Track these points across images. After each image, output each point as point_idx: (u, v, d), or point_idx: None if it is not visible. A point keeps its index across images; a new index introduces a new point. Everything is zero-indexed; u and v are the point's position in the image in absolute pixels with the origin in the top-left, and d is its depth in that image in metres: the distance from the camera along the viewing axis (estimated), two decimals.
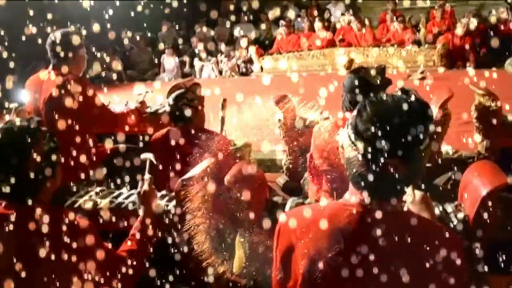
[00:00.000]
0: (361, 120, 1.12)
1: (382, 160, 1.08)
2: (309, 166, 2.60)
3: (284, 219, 1.27)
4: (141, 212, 1.90)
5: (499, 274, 1.94)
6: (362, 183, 1.15)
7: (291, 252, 1.20)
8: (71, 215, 1.58)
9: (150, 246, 1.85)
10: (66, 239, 1.51)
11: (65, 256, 1.49)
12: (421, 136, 1.09)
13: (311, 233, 1.17)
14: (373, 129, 1.08)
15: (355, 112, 1.16)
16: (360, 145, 1.11)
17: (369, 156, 1.09)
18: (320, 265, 1.14)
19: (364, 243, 1.11)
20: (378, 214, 1.13)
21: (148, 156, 2.30)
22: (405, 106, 1.10)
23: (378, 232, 1.11)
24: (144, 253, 1.80)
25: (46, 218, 1.50)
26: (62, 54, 2.93)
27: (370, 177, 1.11)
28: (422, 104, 1.14)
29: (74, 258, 1.51)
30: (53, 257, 1.47)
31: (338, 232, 1.14)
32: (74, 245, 1.52)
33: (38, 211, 1.52)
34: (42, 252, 1.48)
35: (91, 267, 1.56)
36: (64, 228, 1.52)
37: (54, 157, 1.60)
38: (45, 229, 1.49)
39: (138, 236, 1.81)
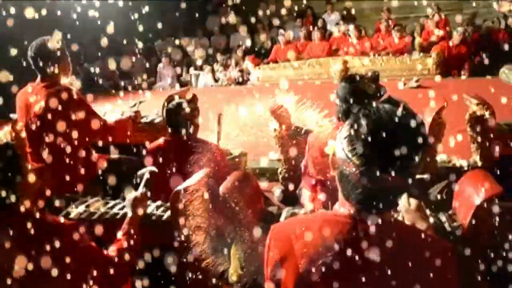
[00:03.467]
0: (357, 136, 1.11)
1: (378, 174, 1.08)
2: (303, 175, 2.60)
3: (276, 229, 1.28)
4: (128, 215, 1.97)
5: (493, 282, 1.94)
6: (355, 196, 1.14)
7: (282, 261, 1.20)
8: (54, 220, 1.60)
9: (137, 248, 1.89)
10: (45, 246, 1.51)
11: (48, 262, 1.49)
12: (417, 149, 1.09)
13: (305, 244, 1.17)
14: (370, 145, 1.08)
15: (348, 126, 1.14)
16: (357, 160, 1.10)
17: (366, 171, 1.09)
18: (313, 274, 1.14)
19: (354, 254, 1.12)
20: (368, 225, 1.13)
21: (148, 169, 2.31)
22: (399, 120, 1.10)
23: (368, 243, 1.11)
24: (132, 252, 1.84)
25: (24, 226, 1.51)
26: (45, 65, 2.88)
27: (364, 190, 1.11)
28: (415, 116, 1.13)
29: (58, 262, 1.51)
30: (33, 264, 1.47)
31: (329, 242, 1.14)
32: (57, 249, 1.52)
33: (15, 219, 1.54)
34: (23, 260, 1.47)
35: (77, 269, 1.56)
36: (44, 234, 1.53)
37: (13, 168, 1.62)
38: (23, 236, 1.50)
39: (125, 237, 1.87)
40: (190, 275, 2.16)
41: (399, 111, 1.13)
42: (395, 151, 1.06)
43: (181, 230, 2.10)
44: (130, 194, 2.02)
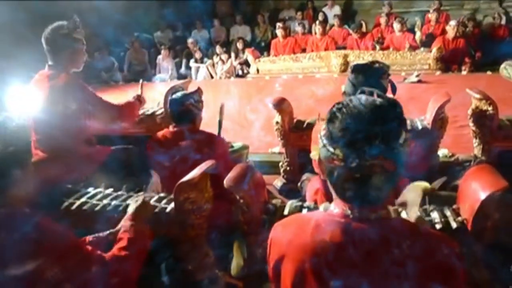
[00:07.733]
0: (335, 128, 1.12)
1: (364, 161, 1.08)
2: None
3: (275, 230, 1.28)
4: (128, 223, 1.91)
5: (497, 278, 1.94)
6: (347, 193, 1.15)
7: (281, 262, 1.21)
8: (42, 222, 1.52)
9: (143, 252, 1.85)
10: (29, 246, 1.44)
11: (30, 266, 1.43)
12: (397, 129, 1.11)
13: (299, 245, 1.18)
14: (348, 134, 1.09)
15: (325, 124, 1.16)
16: (340, 153, 1.10)
17: (351, 161, 1.09)
18: (309, 276, 1.14)
19: (350, 254, 1.12)
20: (363, 224, 1.13)
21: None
22: (373, 105, 1.11)
23: (364, 241, 1.11)
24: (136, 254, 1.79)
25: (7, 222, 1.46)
26: (56, 51, 2.83)
27: (355, 183, 1.12)
28: (388, 100, 1.15)
29: (41, 267, 1.45)
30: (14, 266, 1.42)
31: (324, 244, 1.14)
32: (40, 253, 1.46)
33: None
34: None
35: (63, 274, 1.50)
36: (29, 234, 1.46)
37: (23, 156, 1.55)
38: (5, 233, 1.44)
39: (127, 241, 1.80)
40: (191, 267, 2.16)
41: (373, 98, 1.15)
42: (373, 134, 1.07)
43: (183, 223, 2.10)
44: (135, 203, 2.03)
